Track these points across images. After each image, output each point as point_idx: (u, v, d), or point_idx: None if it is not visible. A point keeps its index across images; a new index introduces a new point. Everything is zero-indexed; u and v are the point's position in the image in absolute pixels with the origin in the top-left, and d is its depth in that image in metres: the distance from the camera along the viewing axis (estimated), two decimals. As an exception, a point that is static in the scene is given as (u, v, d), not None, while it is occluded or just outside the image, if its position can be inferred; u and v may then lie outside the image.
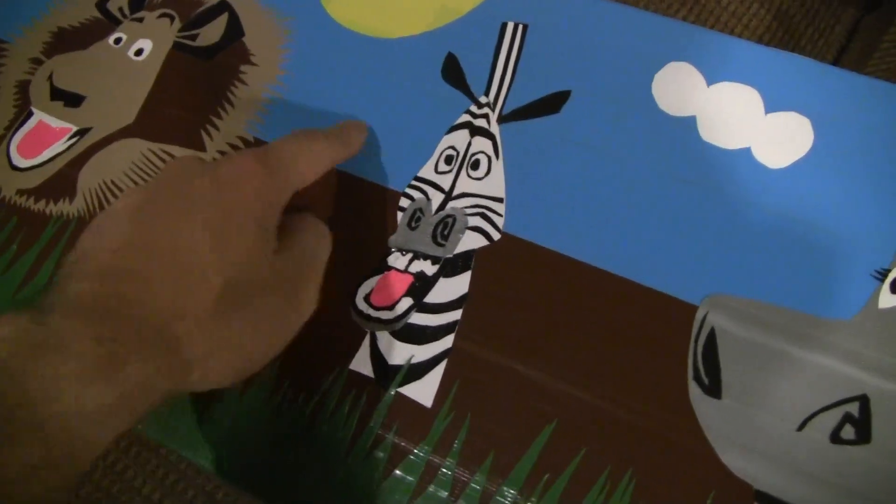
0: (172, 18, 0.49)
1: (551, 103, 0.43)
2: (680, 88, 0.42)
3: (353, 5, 0.47)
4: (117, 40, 0.48)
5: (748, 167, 0.40)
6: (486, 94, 0.43)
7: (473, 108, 0.43)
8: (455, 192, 0.41)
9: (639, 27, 0.43)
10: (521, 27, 0.44)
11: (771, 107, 0.40)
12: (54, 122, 0.47)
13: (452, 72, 0.44)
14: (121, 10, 0.50)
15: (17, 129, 0.48)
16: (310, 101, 0.45)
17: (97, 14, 0.50)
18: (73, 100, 0.47)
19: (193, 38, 0.48)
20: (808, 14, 0.56)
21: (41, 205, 0.45)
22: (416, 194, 0.42)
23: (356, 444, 0.38)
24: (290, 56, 0.47)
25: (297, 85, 0.46)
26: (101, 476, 0.44)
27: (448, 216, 0.41)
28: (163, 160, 0.45)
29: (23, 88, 0.49)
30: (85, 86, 0.48)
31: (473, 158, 0.42)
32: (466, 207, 0.41)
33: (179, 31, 0.48)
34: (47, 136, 0.47)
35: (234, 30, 0.48)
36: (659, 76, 0.42)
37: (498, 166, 0.42)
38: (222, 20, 0.48)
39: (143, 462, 0.45)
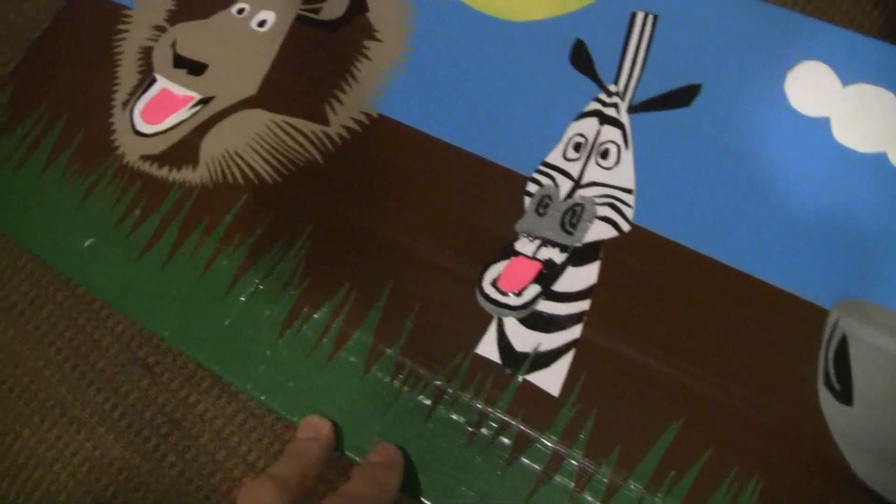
0: (296, -10, 0.48)
1: (682, 96, 0.43)
2: (814, 88, 0.42)
3: (481, -14, 0.46)
4: (240, 10, 0.48)
5: (883, 172, 0.40)
6: (616, 82, 0.43)
7: (602, 97, 0.43)
8: (584, 181, 0.41)
9: (771, 23, 0.43)
10: (651, 17, 0.44)
11: (907, 110, 0.40)
12: (177, 90, 0.47)
13: (581, 58, 0.44)
14: (244, -21, 0.49)
15: (140, 95, 0.48)
16: (434, 80, 0.45)
17: (220, -18, 0.50)
18: (196, 68, 0.47)
19: (317, 11, 0.48)
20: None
21: (164, 171, 0.46)
22: (544, 180, 0.42)
23: (480, 428, 0.38)
24: (414, 34, 0.47)
25: (422, 63, 0.46)
26: (208, 440, 0.45)
27: (577, 204, 0.41)
28: (286, 132, 0.45)
29: (146, 55, 0.49)
30: (208, 54, 0.48)
31: (603, 147, 0.42)
32: (596, 197, 0.41)
33: (303, 3, 0.48)
34: (171, 103, 0.47)
35: (359, 4, 0.48)
36: (792, 74, 0.42)
37: (627, 157, 0.42)
38: (346, -6, 0.47)
39: (247, 430, 0.45)
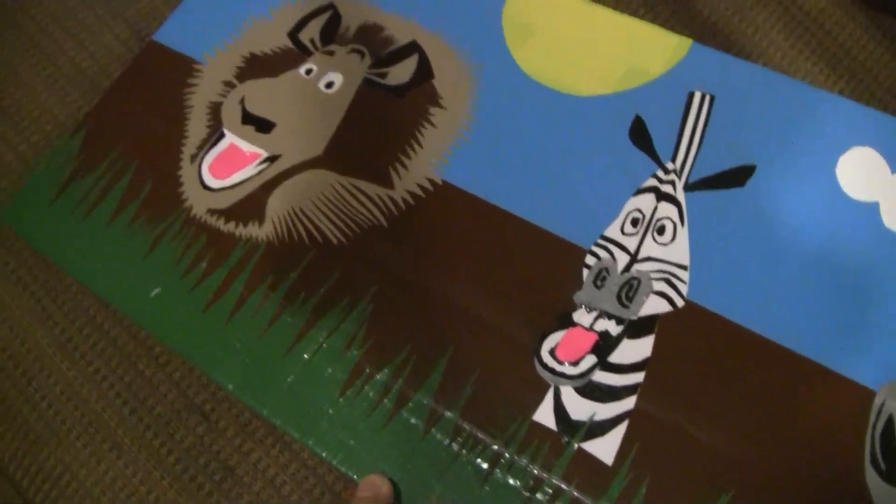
0: (363, 54, 0.50)
1: (737, 176, 0.44)
2: (864, 173, 0.43)
3: (543, 58, 0.48)
4: (308, 71, 0.50)
5: (929, 258, 0.41)
6: (673, 160, 0.45)
7: (660, 174, 0.45)
8: (640, 256, 0.43)
9: (824, 108, 0.45)
10: (708, 97, 0.46)
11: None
12: (245, 146, 0.49)
13: (640, 135, 0.46)
14: (312, 41, 0.51)
15: (209, 150, 0.49)
16: (496, 149, 0.47)
17: (289, 43, 0.52)
18: (264, 125, 0.49)
19: (383, 75, 0.49)
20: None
21: (230, 226, 0.47)
22: (602, 253, 0.43)
23: (536, 493, 0.40)
24: (477, 103, 0.48)
25: (484, 132, 0.47)
26: (260, 488, 0.46)
27: (633, 278, 0.43)
28: (351, 193, 0.46)
29: (215, 109, 0.50)
30: (276, 113, 0.49)
31: (659, 223, 0.44)
32: (652, 272, 0.43)
33: (370, 67, 0.50)
34: (238, 159, 0.48)
35: (424, 71, 0.49)
36: (843, 159, 0.44)
37: (683, 233, 0.43)
38: (412, 61, 0.49)
39: (300, 480, 0.47)
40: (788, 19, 0.55)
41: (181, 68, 0.52)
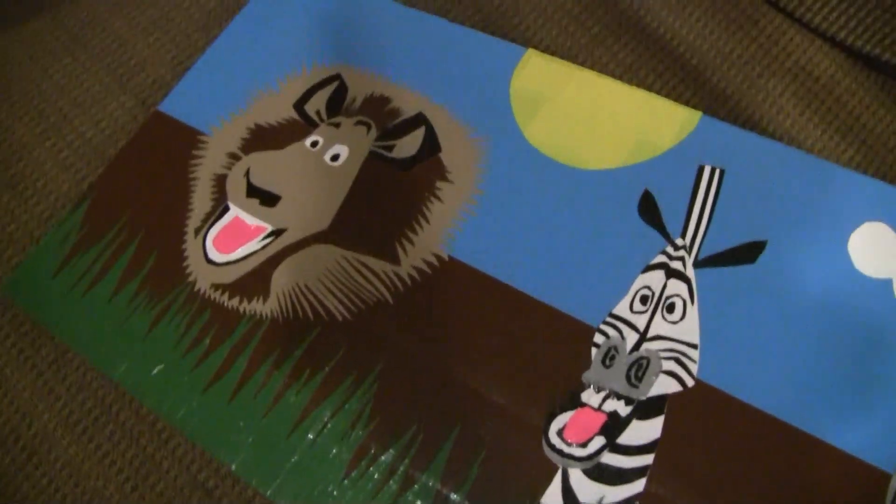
0: (369, 127, 0.50)
1: (747, 253, 0.44)
2: (876, 249, 0.43)
3: (551, 131, 0.48)
4: (314, 143, 0.50)
5: (943, 337, 0.40)
6: (683, 236, 0.44)
7: (669, 250, 0.44)
8: (650, 334, 0.42)
9: (836, 182, 0.44)
10: (718, 172, 0.45)
11: (966, 276, 0.41)
12: (250, 220, 0.48)
13: (649, 210, 0.45)
14: (318, 112, 0.51)
15: (213, 223, 0.49)
16: (503, 224, 0.46)
17: (294, 115, 0.52)
18: (269, 199, 0.48)
19: (390, 148, 0.49)
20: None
21: (234, 301, 0.46)
22: (611, 332, 0.43)
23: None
24: (485, 176, 0.48)
25: (492, 206, 0.47)
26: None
27: (642, 357, 0.42)
28: (357, 269, 0.46)
29: (219, 182, 0.50)
30: (281, 186, 0.49)
31: (669, 301, 0.43)
32: (661, 350, 0.42)
33: (376, 140, 0.50)
34: (243, 232, 0.48)
35: (431, 144, 0.49)
36: (855, 234, 0.43)
37: (693, 311, 0.43)
38: (419, 133, 0.49)
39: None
40: (798, 86, 0.55)
41: (186, 139, 0.52)
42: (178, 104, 0.54)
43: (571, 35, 0.58)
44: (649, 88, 0.55)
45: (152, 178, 0.52)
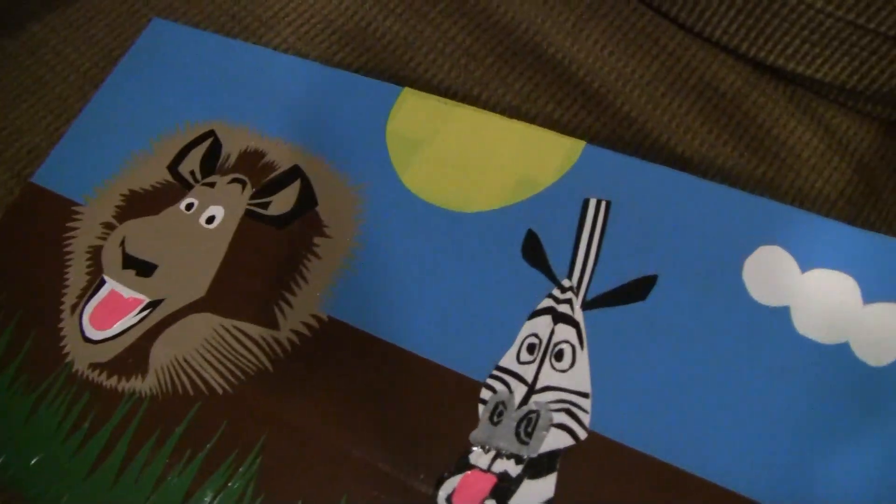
0: (244, 184, 0.48)
1: (637, 290, 0.41)
2: (772, 275, 0.40)
3: (429, 175, 0.46)
4: (189, 206, 0.48)
5: (847, 364, 0.39)
6: (570, 276, 0.42)
7: (556, 293, 0.42)
8: (538, 385, 0.40)
9: (727, 206, 0.42)
10: (604, 204, 0.43)
11: (869, 297, 0.39)
12: (126, 293, 0.46)
13: (533, 251, 0.43)
14: (192, 173, 0.49)
15: (89, 298, 0.47)
16: (383, 278, 0.44)
17: (169, 177, 0.50)
18: (145, 268, 0.46)
19: (265, 206, 0.47)
20: (889, 166, 0.54)
21: (113, 381, 0.45)
22: (498, 386, 0.41)
23: None
24: (363, 227, 0.46)
25: (371, 258, 0.45)
26: None
27: (531, 411, 0.40)
28: (235, 338, 0.44)
29: (95, 254, 0.48)
30: (157, 254, 0.47)
31: (557, 348, 0.41)
32: (551, 402, 0.40)
33: (251, 197, 0.47)
34: (119, 307, 0.46)
35: (307, 198, 0.47)
36: (749, 261, 0.41)
37: (583, 357, 0.40)
38: (294, 188, 0.47)
39: None
40: (704, 103, 0.53)
41: (60, 211, 0.50)
42: (52, 174, 0.52)
43: (465, 68, 0.55)
44: (549, 117, 0.52)
45: (28, 254, 0.50)
